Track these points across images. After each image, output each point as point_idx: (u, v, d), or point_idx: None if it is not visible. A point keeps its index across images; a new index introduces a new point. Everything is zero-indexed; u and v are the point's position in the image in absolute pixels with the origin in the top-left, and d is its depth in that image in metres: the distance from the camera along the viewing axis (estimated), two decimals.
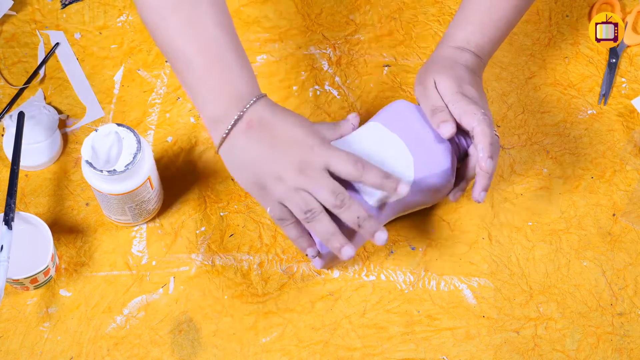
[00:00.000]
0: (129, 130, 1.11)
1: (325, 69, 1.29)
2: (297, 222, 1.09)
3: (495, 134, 1.14)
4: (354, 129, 1.14)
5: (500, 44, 1.19)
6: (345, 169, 1.07)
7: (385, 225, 1.21)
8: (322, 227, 1.07)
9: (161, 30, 1.09)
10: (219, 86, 1.08)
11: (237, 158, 1.09)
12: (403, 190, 1.08)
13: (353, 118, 1.14)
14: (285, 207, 1.08)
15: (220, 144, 1.09)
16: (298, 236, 1.10)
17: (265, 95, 1.10)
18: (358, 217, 1.07)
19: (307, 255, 1.11)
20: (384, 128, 1.15)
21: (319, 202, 1.07)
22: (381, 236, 1.07)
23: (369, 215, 1.07)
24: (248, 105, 1.08)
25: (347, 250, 1.07)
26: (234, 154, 1.09)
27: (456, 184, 1.17)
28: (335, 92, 1.28)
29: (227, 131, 1.08)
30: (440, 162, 1.13)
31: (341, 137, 1.13)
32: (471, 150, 1.15)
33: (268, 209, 1.09)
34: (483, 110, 1.12)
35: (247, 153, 1.08)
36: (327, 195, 1.06)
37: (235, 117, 1.08)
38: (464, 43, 1.17)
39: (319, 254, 1.11)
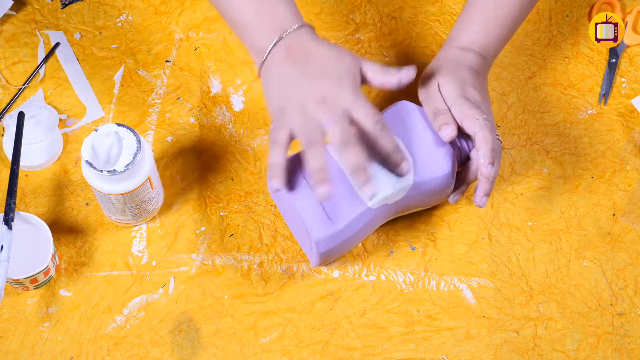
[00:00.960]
0: (129, 130, 1.11)
1: None
2: (284, 151, 1.08)
3: (498, 139, 1.14)
4: (399, 86, 1.11)
5: (506, 42, 1.19)
6: (365, 121, 1.07)
7: (385, 225, 1.21)
8: (316, 159, 1.06)
9: None
10: (259, 20, 1.11)
11: (271, 81, 1.10)
12: (404, 169, 1.09)
13: (406, 74, 1.11)
14: (286, 133, 1.08)
15: (260, 68, 1.11)
16: (275, 163, 1.09)
17: (310, 27, 1.11)
18: (353, 165, 1.07)
19: (268, 185, 1.10)
20: None
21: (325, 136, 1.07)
22: (367, 191, 1.08)
23: (364, 167, 1.07)
24: (286, 33, 1.10)
25: (323, 189, 1.07)
26: (269, 77, 1.11)
27: (457, 186, 1.17)
28: None
29: (266, 55, 1.11)
30: (440, 165, 1.13)
31: (381, 85, 1.11)
32: (473, 154, 1.15)
33: (271, 128, 1.09)
34: (485, 115, 1.11)
35: (280, 76, 1.09)
36: (337, 132, 1.06)
37: (275, 41, 1.10)
38: (469, 43, 1.16)
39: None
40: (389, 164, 1.09)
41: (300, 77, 1.08)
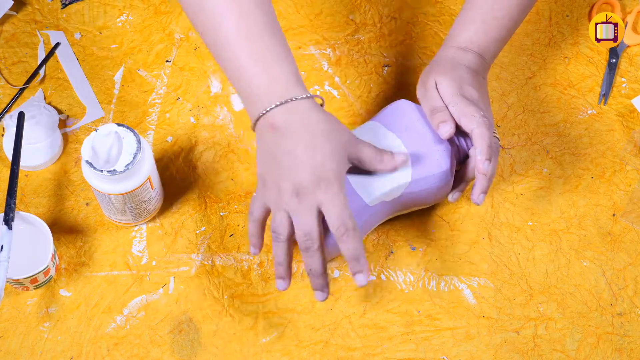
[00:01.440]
0: (129, 130, 1.11)
1: (325, 69, 1.29)
2: (257, 223, 1.12)
3: (495, 136, 1.14)
4: (393, 170, 1.12)
5: (505, 43, 1.18)
6: (331, 223, 1.07)
7: (385, 225, 1.21)
8: (277, 252, 1.10)
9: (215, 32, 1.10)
10: (262, 76, 1.08)
11: (259, 147, 1.10)
12: (359, 280, 1.09)
13: (401, 161, 1.12)
14: (261, 207, 1.10)
15: (255, 123, 1.10)
16: (252, 234, 1.12)
17: (309, 98, 1.08)
18: (310, 269, 1.09)
19: (251, 249, 1.14)
20: (383, 127, 1.15)
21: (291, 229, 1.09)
22: (319, 296, 1.11)
23: (321, 273, 1.09)
24: (290, 100, 1.07)
25: (280, 284, 1.11)
26: (258, 141, 1.10)
27: (456, 185, 1.17)
28: (335, 92, 1.28)
29: (252, 124, 1.10)
30: (439, 163, 1.13)
31: (376, 171, 1.11)
32: (472, 152, 1.15)
33: (253, 196, 1.12)
34: (482, 112, 1.11)
35: (266, 149, 1.09)
36: (300, 232, 1.08)
37: (276, 104, 1.07)
38: (467, 43, 1.16)
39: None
40: (349, 268, 1.10)
41: (284, 158, 1.07)
